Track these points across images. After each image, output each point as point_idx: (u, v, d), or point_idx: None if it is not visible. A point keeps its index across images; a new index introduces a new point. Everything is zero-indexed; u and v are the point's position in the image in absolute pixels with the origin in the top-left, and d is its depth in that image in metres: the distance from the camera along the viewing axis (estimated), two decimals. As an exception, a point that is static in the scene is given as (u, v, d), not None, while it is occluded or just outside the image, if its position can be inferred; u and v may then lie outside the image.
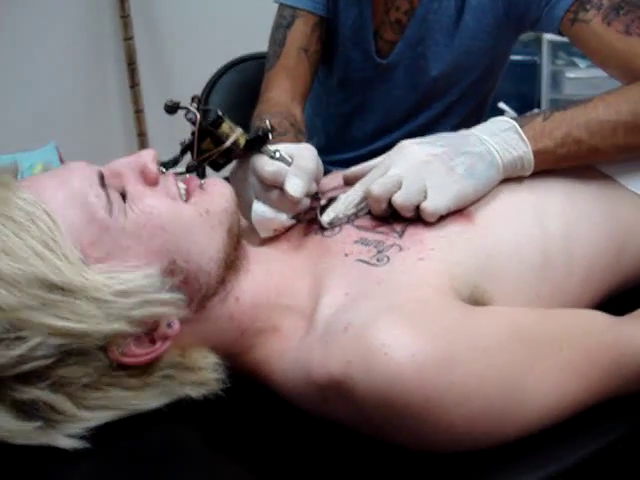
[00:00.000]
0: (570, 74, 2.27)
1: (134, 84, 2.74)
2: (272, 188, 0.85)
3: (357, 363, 0.68)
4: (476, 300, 0.78)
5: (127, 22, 2.68)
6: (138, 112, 2.78)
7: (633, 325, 0.78)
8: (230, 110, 1.62)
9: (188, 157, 0.87)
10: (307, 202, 0.86)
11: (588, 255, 0.87)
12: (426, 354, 0.67)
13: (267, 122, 0.89)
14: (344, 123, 1.45)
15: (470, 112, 1.38)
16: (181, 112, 0.85)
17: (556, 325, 0.76)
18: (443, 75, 1.30)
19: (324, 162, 0.97)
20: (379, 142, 1.38)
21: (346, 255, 0.81)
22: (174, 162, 0.85)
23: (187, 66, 2.70)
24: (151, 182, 0.75)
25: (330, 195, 0.90)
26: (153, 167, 0.75)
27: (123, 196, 0.72)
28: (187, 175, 0.81)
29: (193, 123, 0.84)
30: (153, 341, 0.70)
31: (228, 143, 0.85)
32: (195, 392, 0.72)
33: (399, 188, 0.82)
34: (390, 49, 1.30)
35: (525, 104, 2.65)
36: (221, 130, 0.85)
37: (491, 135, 0.88)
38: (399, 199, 0.82)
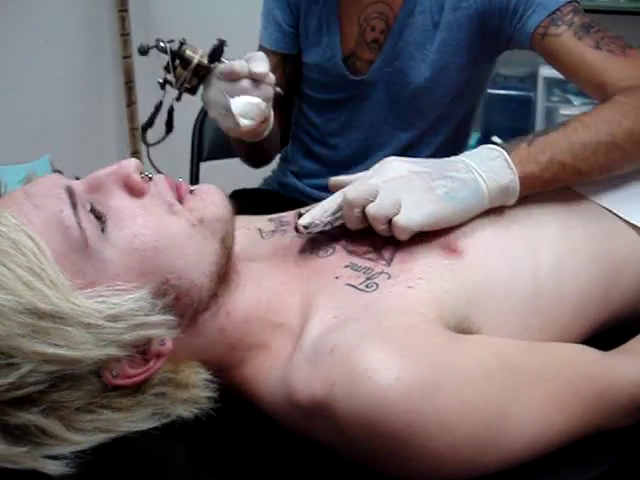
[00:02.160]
0: (564, 110, 2.29)
1: (131, 102, 2.75)
2: (240, 80, 1.02)
3: (341, 385, 0.67)
4: (464, 330, 0.78)
5: (127, 40, 2.69)
6: (133, 130, 2.79)
7: (619, 359, 0.78)
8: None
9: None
10: (272, 79, 1.05)
11: (579, 289, 0.87)
12: (410, 378, 0.66)
13: (218, 38, 1.06)
14: (331, 143, 1.48)
15: (454, 131, 1.41)
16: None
17: (542, 357, 0.76)
18: (422, 89, 1.33)
19: (313, 186, 1.25)
20: (366, 162, 1.39)
21: (336, 278, 0.81)
22: (150, 122, 1.09)
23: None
24: (137, 193, 0.72)
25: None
26: (137, 177, 0.72)
27: (97, 215, 0.69)
28: (180, 179, 0.79)
29: (164, 52, 1.06)
30: (146, 360, 0.70)
31: (196, 59, 1.06)
32: (186, 412, 0.72)
33: (374, 198, 0.82)
34: (367, 68, 1.35)
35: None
36: (187, 53, 1.06)
37: (479, 163, 0.88)
38: (372, 209, 0.82)
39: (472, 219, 0.88)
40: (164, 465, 0.74)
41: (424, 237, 0.85)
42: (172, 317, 0.69)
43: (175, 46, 1.06)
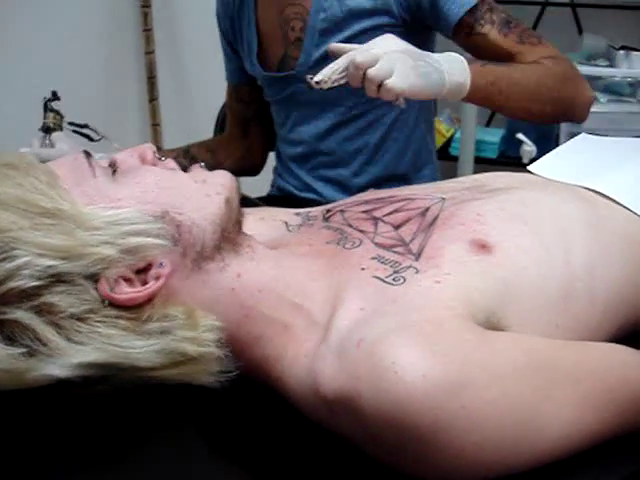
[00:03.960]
0: (591, 108, 2.26)
1: (153, 98, 2.76)
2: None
3: (367, 380, 0.66)
4: (492, 326, 0.76)
5: (149, 36, 2.69)
6: (155, 125, 2.79)
7: None
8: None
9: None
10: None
11: (609, 289, 0.86)
12: (437, 375, 0.65)
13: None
14: (294, 138, 1.60)
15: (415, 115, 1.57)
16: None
17: (575, 356, 0.74)
18: None
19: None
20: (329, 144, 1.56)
21: (363, 269, 0.80)
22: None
23: (207, 81, 2.71)
24: (148, 162, 0.79)
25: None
26: (150, 152, 0.80)
27: (114, 170, 0.76)
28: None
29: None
30: (145, 284, 0.71)
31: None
32: (191, 349, 0.71)
33: (375, 64, 1.04)
34: (297, 64, 1.49)
35: (544, 137, 2.65)
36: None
37: (445, 61, 1.14)
38: (372, 72, 1.04)
39: (501, 215, 0.87)
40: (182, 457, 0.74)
41: (453, 233, 0.84)
42: (170, 230, 0.73)
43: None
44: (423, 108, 1.55)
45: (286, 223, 0.97)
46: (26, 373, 0.67)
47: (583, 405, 0.70)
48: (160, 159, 0.80)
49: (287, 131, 1.60)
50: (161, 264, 0.72)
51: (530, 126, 2.60)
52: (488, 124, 3.04)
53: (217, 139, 1.78)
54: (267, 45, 1.51)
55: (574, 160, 1.07)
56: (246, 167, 1.73)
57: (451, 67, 1.13)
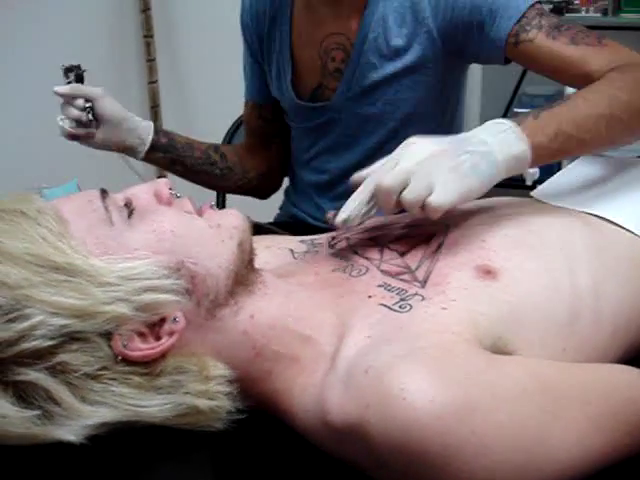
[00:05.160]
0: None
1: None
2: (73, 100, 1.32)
3: (375, 407, 0.66)
4: (499, 350, 0.77)
5: (152, 66, 2.72)
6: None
7: None
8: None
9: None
10: (81, 102, 1.34)
11: (616, 311, 0.86)
12: (445, 401, 0.65)
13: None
14: (316, 167, 1.53)
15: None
16: None
17: (582, 378, 0.75)
18: (388, 108, 1.36)
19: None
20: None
21: (369, 297, 0.81)
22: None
23: (210, 110, 2.73)
24: (164, 202, 0.77)
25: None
26: (166, 189, 0.78)
27: (129, 205, 0.75)
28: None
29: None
30: (159, 339, 0.70)
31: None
32: (203, 404, 0.71)
33: (408, 182, 0.84)
34: (332, 94, 1.39)
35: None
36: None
37: (491, 136, 0.89)
38: (407, 195, 0.84)
39: (505, 240, 0.88)
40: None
41: (458, 259, 0.85)
42: (186, 284, 0.72)
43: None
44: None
45: (292, 251, 0.97)
46: (39, 436, 0.66)
47: (590, 427, 0.70)
48: (176, 196, 0.80)
49: (310, 158, 1.52)
50: (175, 319, 0.71)
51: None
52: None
53: (240, 149, 1.63)
54: (301, 73, 1.42)
55: (576, 184, 1.07)
56: (265, 185, 1.64)
57: (501, 141, 0.89)
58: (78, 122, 1.35)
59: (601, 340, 0.84)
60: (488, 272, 0.82)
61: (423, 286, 0.81)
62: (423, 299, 0.79)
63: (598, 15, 2.23)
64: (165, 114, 2.80)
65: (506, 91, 1.97)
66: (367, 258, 0.88)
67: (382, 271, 0.85)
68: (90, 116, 1.34)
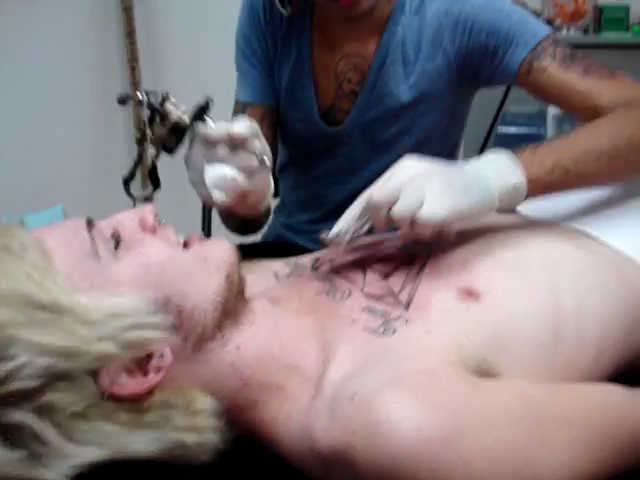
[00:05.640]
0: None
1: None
2: (220, 145, 0.91)
3: (361, 434, 0.66)
4: (484, 373, 0.76)
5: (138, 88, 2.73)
6: (144, 178, 2.81)
7: None
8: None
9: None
10: (257, 145, 0.92)
11: (600, 329, 0.86)
12: (432, 427, 0.65)
13: (206, 95, 0.94)
14: (316, 190, 1.48)
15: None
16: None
17: (569, 399, 0.74)
18: (399, 136, 1.34)
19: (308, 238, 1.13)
20: None
21: (353, 321, 0.80)
22: (131, 175, 0.94)
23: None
24: (150, 230, 0.76)
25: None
26: (151, 216, 0.77)
27: (116, 235, 0.74)
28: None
29: (142, 104, 0.93)
30: (146, 374, 0.69)
31: (174, 117, 0.92)
32: (190, 438, 0.70)
33: (398, 197, 0.84)
34: (345, 117, 1.36)
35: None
36: (167, 108, 0.92)
37: (486, 165, 0.90)
38: (397, 209, 0.83)
39: (488, 261, 0.88)
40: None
41: (441, 280, 0.84)
42: (171, 319, 0.70)
43: (156, 100, 0.94)
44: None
45: (275, 274, 0.97)
46: (25, 476, 0.64)
47: (579, 448, 0.70)
48: (160, 223, 0.79)
49: (309, 180, 1.48)
50: (162, 355, 0.70)
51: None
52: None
53: None
54: (316, 90, 1.36)
55: (562, 199, 1.07)
56: (250, 231, 1.46)
57: (496, 169, 0.89)
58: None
59: (585, 361, 0.84)
60: (471, 294, 0.82)
61: (407, 308, 0.81)
62: (407, 322, 0.79)
63: (579, 34, 2.25)
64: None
65: (490, 109, 1.99)
66: (350, 281, 0.88)
67: (365, 294, 0.85)
68: (267, 162, 0.96)
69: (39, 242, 0.69)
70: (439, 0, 1.24)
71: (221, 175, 0.91)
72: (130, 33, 2.68)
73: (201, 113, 0.92)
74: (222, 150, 0.91)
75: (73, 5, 2.67)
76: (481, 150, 2.03)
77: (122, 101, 0.95)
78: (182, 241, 0.79)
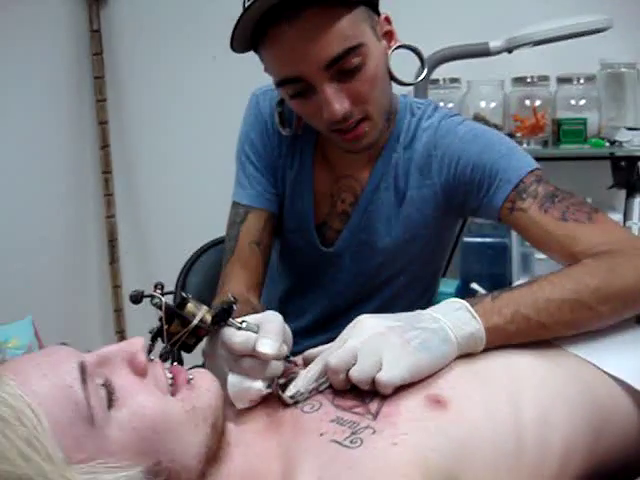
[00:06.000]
0: (539, 255, 2.34)
1: (113, 260, 2.79)
2: (243, 357, 0.88)
3: None
4: None
5: (110, 200, 2.76)
6: (116, 287, 2.81)
7: None
8: (208, 290, 1.64)
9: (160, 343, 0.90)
10: (280, 365, 0.89)
11: (564, 439, 0.86)
12: None
13: (229, 295, 0.91)
14: (298, 306, 1.47)
15: (419, 295, 1.42)
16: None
17: None
18: (386, 262, 1.36)
19: None
20: (329, 330, 1.30)
21: (321, 435, 0.80)
22: (148, 351, 0.85)
23: (166, 244, 2.76)
24: (140, 372, 0.76)
25: (290, 374, 0.92)
26: (143, 357, 0.76)
27: (109, 391, 0.72)
28: (174, 363, 0.82)
29: (159, 308, 0.87)
30: None
31: (195, 321, 0.88)
32: None
33: (356, 360, 0.84)
34: (336, 237, 1.37)
35: (497, 285, 2.68)
36: (187, 310, 0.88)
37: (444, 314, 0.91)
38: (355, 373, 0.83)
39: (453, 369, 0.89)
40: None
41: (409, 388, 0.85)
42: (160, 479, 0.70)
43: (176, 299, 0.90)
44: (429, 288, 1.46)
45: None
46: None
47: None
48: (150, 359, 0.78)
49: (293, 290, 1.48)
50: None
51: (484, 275, 2.66)
52: (443, 275, 3.10)
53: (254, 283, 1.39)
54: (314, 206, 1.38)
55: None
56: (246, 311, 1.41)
57: (454, 319, 0.90)
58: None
59: (551, 470, 0.84)
60: (438, 402, 0.83)
61: (375, 418, 0.81)
62: (374, 432, 0.79)
63: (539, 147, 2.32)
64: (122, 248, 2.82)
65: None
66: (321, 392, 0.88)
67: (336, 405, 0.85)
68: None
69: (29, 404, 0.67)
70: (430, 131, 1.29)
71: (245, 387, 0.88)
72: (104, 147, 2.74)
73: (225, 316, 0.89)
74: (247, 363, 0.88)
75: (49, 117, 2.73)
76: (448, 260, 2.06)
77: (136, 300, 0.89)
78: (170, 378, 0.79)
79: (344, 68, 1.11)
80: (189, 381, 0.79)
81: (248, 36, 1.11)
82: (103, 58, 2.73)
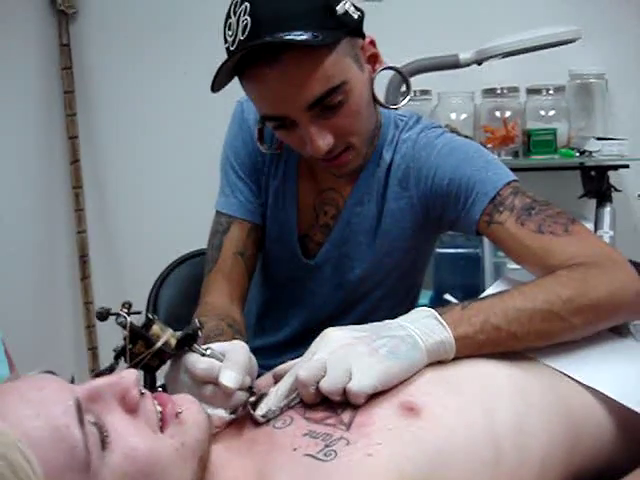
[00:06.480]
0: (511, 265, 2.35)
1: (85, 276, 2.76)
2: (205, 384, 0.86)
3: None
4: None
5: (81, 216, 2.74)
6: (87, 304, 2.79)
7: None
8: (180, 305, 1.62)
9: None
10: (242, 395, 0.87)
11: (540, 449, 0.86)
12: None
13: (196, 321, 0.90)
14: (276, 319, 1.47)
15: (397, 307, 1.40)
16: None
17: None
18: (366, 274, 1.35)
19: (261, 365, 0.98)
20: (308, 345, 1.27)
21: (294, 450, 0.79)
22: (110, 369, 0.84)
23: (138, 260, 2.74)
24: (133, 410, 0.74)
25: (261, 391, 0.90)
26: (136, 393, 0.74)
27: (102, 432, 0.70)
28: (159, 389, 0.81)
29: (124, 327, 0.85)
30: None
31: (159, 344, 0.86)
32: None
33: (325, 371, 0.84)
34: (318, 250, 1.37)
35: (470, 295, 2.70)
36: (152, 332, 0.86)
37: (412, 322, 0.91)
38: (325, 384, 0.83)
39: (425, 375, 0.88)
40: None
41: (381, 396, 0.84)
42: None
43: (138, 322, 0.87)
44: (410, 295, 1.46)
45: None
46: None
47: None
48: (141, 393, 0.76)
49: (270, 300, 1.48)
50: None
51: (457, 286, 2.67)
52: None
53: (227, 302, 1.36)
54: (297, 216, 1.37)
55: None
56: None
57: (423, 326, 0.90)
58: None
59: (527, 477, 0.84)
60: (411, 409, 0.82)
61: (348, 428, 0.80)
62: (348, 443, 0.78)
63: (509, 158, 2.34)
64: (94, 264, 2.79)
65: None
66: (292, 407, 0.87)
67: (307, 418, 0.84)
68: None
69: (21, 451, 0.64)
70: (409, 143, 1.29)
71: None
72: (75, 161, 2.71)
73: (189, 341, 0.88)
74: (208, 391, 0.86)
75: (18, 132, 2.71)
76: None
77: (102, 317, 0.88)
78: (158, 415, 0.77)
79: (327, 105, 1.11)
80: (177, 415, 0.77)
81: (229, 75, 1.11)
82: (73, 72, 2.70)
